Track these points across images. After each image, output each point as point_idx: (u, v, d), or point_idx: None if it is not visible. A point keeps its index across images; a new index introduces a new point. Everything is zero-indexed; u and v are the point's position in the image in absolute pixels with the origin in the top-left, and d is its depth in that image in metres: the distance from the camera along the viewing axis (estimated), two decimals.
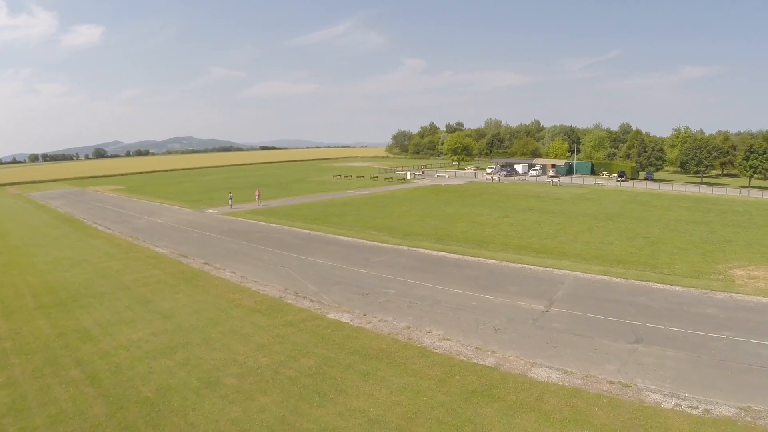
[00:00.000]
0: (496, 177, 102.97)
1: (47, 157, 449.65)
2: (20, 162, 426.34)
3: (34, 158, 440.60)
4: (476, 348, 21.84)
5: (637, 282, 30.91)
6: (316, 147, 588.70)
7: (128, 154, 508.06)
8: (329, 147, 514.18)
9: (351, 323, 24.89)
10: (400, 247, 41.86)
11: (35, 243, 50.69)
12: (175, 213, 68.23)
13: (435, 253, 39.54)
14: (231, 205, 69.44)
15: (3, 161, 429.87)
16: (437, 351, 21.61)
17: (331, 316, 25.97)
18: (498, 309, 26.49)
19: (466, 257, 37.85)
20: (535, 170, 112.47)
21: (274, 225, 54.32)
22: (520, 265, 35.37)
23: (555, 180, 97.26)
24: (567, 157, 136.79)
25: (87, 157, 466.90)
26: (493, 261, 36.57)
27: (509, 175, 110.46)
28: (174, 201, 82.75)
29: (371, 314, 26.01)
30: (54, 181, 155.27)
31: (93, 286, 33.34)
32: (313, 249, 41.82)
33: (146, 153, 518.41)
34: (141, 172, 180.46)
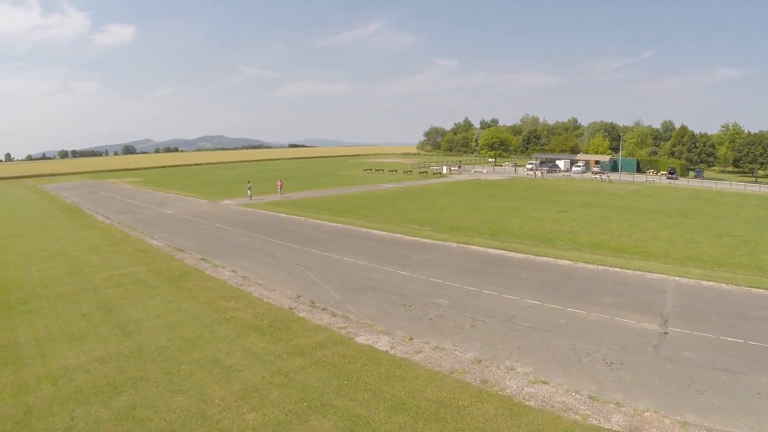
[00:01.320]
0: (538, 172, 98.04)
1: (77, 154, 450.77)
2: (49, 158, 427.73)
3: (63, 155, 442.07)
4: (590, 397, 13.82)
5: (754, 290, 23.53)
6: (347, 146, 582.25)
7: (157, 151, 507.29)
8: (359, 147, 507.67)
9: (391, 352, 16.93)
10: (448, 243, 34.08)
11: (20, 233, 44.46)
12: (188, 204, 61.31)
13: (492, 251, 31.69)
14: (250, 197, 62.42)
15: (33, 157, 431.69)
16: (532, 404, 13.55)
17: (361, 339, 18.05)
18: (597, 330, 18.47)
19: (531, 256, 29.94)
20: (579, 166, 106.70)
21: (295, 217, 46.90)
22: (601, 267, 27.44)
23: (604, 177, 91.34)
24: (608, 154, 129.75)
25: (116, 154, 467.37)
26: (567, 262, 28.65)
27: (551, 171, 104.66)
28: (190, 192, 76.03)
29: (420, 337, 18.11)
30: (74, 174, 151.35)
31: (55, 285, 26.29)
32: (339, 244, 34.28)
33: (175, 150, 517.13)
34: (164, 166, 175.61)
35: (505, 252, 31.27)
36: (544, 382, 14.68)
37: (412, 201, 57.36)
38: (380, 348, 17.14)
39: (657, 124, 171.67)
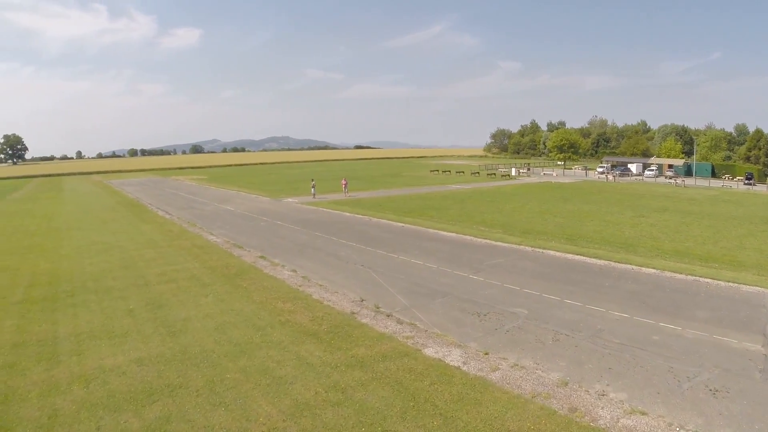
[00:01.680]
0: (610, 176, 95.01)
1: (146, 153, 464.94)
2: (119, 156, 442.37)
3: (133, 153, 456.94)
4: None
5: None
6: (412, 148, 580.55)
7: (224, 151, 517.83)
8: (424, 149, 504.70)
9: (464, 368, 14.83)
10: (522, 247, 31.69)
11: (79, 226, 44.76)
12: (250, 201, 60.79)
13: (570, 256, 29.11)
14: (313, 195, 61.43)
15: (103, 155, 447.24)
16: None
17: (430, 351, 16.01)
18: (695, 349, 15.86)
19: (613, 263, 27.20)
20: (652, 170, 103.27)
21: (359, 216, 45.34)
22: (691, 277, 24.43)
23: (678, 181, 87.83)
24: (681, 158, 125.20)
25: (184, 153, 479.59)
26: (652, 270, 25.80)
27: (624, 175, 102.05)
28: (252, 190, 75.95)
29: (496, 352, 15.96)
30: (140, 171, 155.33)
31: (105, 279, 25.49)
32: (406, 245, 32.35)
33: (242, 150, 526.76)
34: (229, 165, 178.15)
35: (585, 258, 28.66)
36: (643, 413, 12.31)
37: (481, 202, 55.03)
38: (451, 363, 15.08)
39: (730, 128, 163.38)
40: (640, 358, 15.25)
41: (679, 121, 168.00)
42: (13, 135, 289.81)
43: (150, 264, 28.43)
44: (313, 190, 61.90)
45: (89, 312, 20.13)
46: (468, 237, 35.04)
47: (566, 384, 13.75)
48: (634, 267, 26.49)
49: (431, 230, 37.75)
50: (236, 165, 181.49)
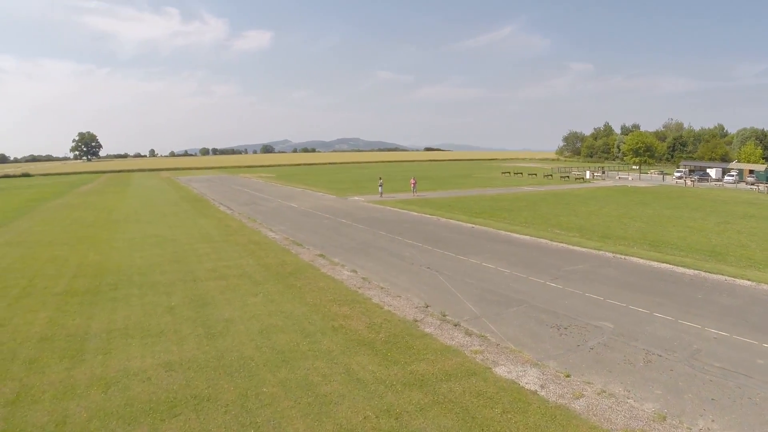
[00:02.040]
0: (689, 181, 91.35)
1: (217, 152, 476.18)
2: (191, 155, 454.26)
3: (204, 152, 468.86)
4: None
5: None
6: (482, 151, 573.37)
7: (295, 151, 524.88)
8: (494, 151, 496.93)
9: (541, 393, 12.45)
10: (602, 252, 28.97)
11: (138, 219, 44.64)
12: (315, 198, 59.64)
13: (655, 264, 26.15)
14: (381, 194, 59.85)
15: (175, 154, 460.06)
16: None
17: (501, 371, 13.71)
18: None
19: (703, 273, 24.13)
20: (731, 176, 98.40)
21: (427, 216, 43.28)
22: None
23: (761, 187, 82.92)
24: (761, 163, 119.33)
25: (255, 153, 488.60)
26: (748, 282, 22.63)
27: (702, 180, 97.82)
28: (319, 188, 75.09)
29: (579, 374, 13.57)
30: (209, 168, 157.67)
31: (153, 273, 24.40)
32: (476, 247, 30.13)
33: (312, 151, 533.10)
34: (298, 164, 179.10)
35: (672, 267, 25.63)
36: None
37: (555, 205, 52.07)
38: (527, 386, 12.74)
39: None
40: (746, 388, 12.61)
41: (758, 125, 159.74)
42: (88, 133, 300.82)
43: (202, 259, 27.23)
44: (380, 188, 60.36)
45: (128, 307, 18.87)
46: (543, 240, 32.54)
47: (664, 418, 11.24)
48: (727, 278, 23.45)
49: (503, 232, 35.35)
50: (305, 164, 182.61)
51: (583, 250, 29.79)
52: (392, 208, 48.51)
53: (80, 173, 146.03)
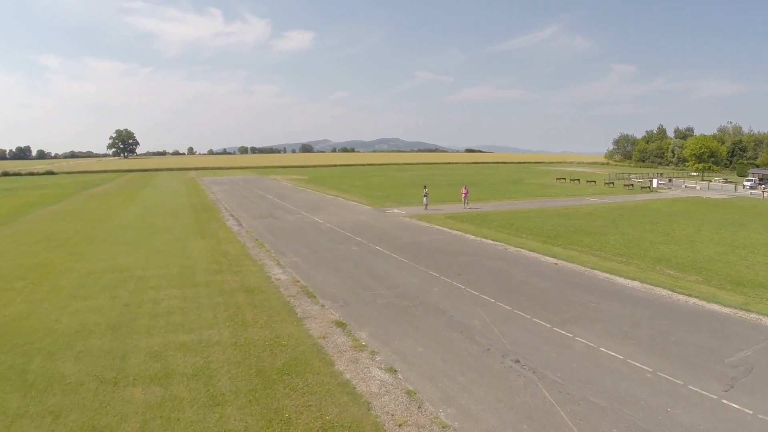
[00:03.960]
0: (766, 192, 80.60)
1: (256, 151, 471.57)
2: (230, 153, 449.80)
3: (243, 151, 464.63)
4: None
5: None
6: (522, 153, 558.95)
7: (334, 151, 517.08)
8: (534, 153, 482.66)
9: None
10: (758, 318, 18.97)
11: (120, 237, 35.50)
12: (346, 210, 49.49)
13: None
14: (426, 205, 49.52)
15: (214, 152, 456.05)
16: None
17: None
18: None
19: None
20: None
21: (489, 241, 32.85)
22: None
23: None
24: None
25: (294, 152, 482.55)
26: None
27: None
28: (353, 195, 64.88)
29: None
30: (242, 168, 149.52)
31: (64, 356, 15.13)
32: (574, 305, 19.93)
33: (352, 151, 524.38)
34: (334, 165, 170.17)
35: None
36: None
37: (640, 224, 41.17)
38: None
39: None
40: None
41: None
42: (125, 130, 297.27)
43: (155, 325, 17.42)
44: (425, 199, 49.89)
45: None
46: (660, 291, 22.32)
47: None
48: None
49: (600, 274, 24.98)
50: (343, 165, 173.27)
51: (727, 311, 19.84)
52: (441, 228, 38.08)
53: (107, 171, 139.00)
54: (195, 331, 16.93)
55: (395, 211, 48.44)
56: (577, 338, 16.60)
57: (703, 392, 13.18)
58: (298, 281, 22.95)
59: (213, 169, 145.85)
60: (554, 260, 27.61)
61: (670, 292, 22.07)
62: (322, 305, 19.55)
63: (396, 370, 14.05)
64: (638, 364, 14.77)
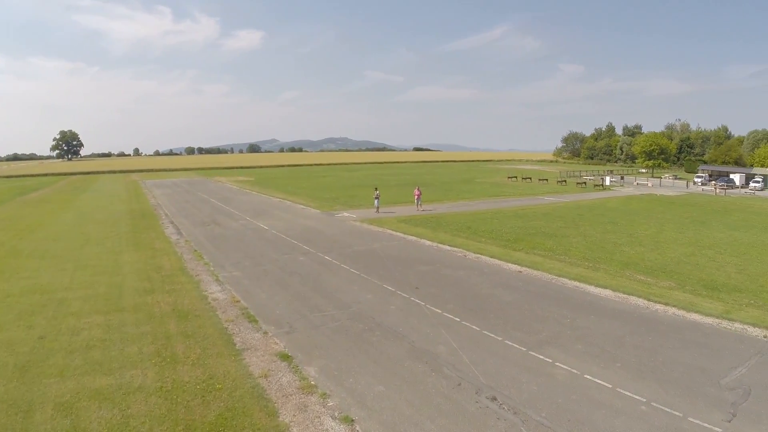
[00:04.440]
0: (718, 189, 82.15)
1: (203, 151, 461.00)
2: (176, 154, 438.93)
3: (190, 151, 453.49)
4: None
5: None
6: (470, 151, 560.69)
7: (282, 151, 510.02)
8: (482, 152, 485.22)
9: None
10: (744, 328, 17.75)
11: (46, 251, 31.85)
12: (293, 215, 46.69)
13: None
14: (377, 208, 47.12)
15: (160, 153, 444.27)
16: None
17: None
18: None
19: None
20: (757, 182, 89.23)
21: (447, 247, 30.71)
22: None
23: None
24: None
25: (241, 152, 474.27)
26: None
27: (728, 187, 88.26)
28: (301, 197, 61.94)
29: None
30: (187, 170, 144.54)
31: None
32: (547, 322, 17.95)
33: (299, 150, 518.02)
34: (281, 166, 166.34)
35: None
36: None
37: (600, 224, 39.85)
38: None
39: None
40: None
41: (752, 126, 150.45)
42: (70, 131, 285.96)
43: (69, 365, 14.59)
44: (376, 201, 47.48)
45: None
46: (637, 301, 20.75)
47: None
48: None
49: (568, 281, 23.32)
50: (290, 165, 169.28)
51: (709, 321, 18.44)
52: (395, 233, 35.72)
53: (48, 175, 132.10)
54: (115, 371, 14.14)
55: (345, 214, 45.89)
56: (557, 364, 14.48)
57: (706, 425, 11.44)
58: (237, 301, 20.25)
59: (157, 171, 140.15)
60: (518, 267, 25.59)
61: (646, 302, 20.34)
62: (265, 332, 16.92)
63: (353, 419, 11.60)
64: (630, 394, 12.80)
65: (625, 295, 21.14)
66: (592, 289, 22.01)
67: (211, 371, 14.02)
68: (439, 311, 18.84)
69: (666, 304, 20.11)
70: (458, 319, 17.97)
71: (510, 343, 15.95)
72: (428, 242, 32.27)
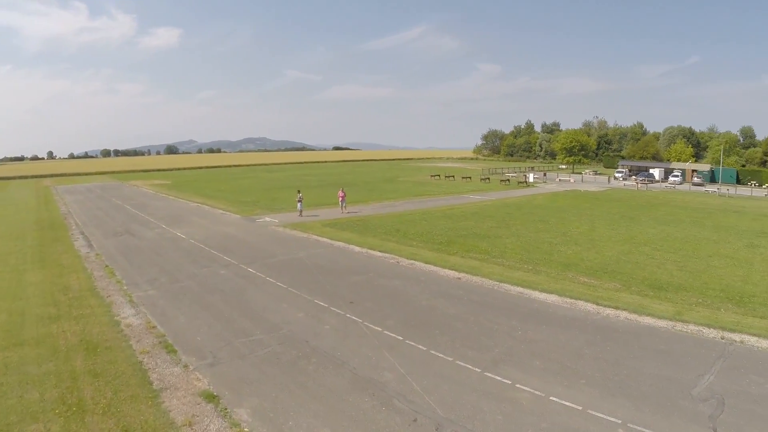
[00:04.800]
0: (641, 184, 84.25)
1: (119, 153, 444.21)
2: (92, 157, 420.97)
3: (106, 154, 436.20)
4: None
5: None
6: (389, 150, 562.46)
7: (200, 152, 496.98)
8: (401, 150, 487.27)
9: None
10: (697, 329, 17.31)
11: None
12: (212, 221, 43.73)
13: None
14: (300, 212, 44.78)
15: (75, 156, 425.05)
16: None
17: None
18: None
19: None
20: (676, 176, 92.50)
21: (377, 254, 28.94)
22: None
23: (723, 190, 77.64)
24: (692, 161, 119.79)
25: (158, 154, 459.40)
26: None
27: (649, 182, 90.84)
28: (220, 201, 58.72)
29: None
30: (100, 174, 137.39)
31: None
32: (496, 336, 16.54)
33: (218, 151, 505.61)
34: (200, 167, 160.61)
35: None
36: None
37: (531, 223, 39.42)
38: None
39: (707, 130, 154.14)
40: None
41: (666, 124, 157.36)
42: None
43: None
44: (299, 204, 45.07)
45: None
46: (586, 306, 19.75)
47: None
48: None
49: (511, 287, 22.13)
50: (209, 167, 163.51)
51: (663, 324, 17.73)
52: (321, 238, 33.68)
53: None
54: (13, 428, 11.61)
55: (267, 219, 43.40)
56: (518, 386, 13.04)
57: None
58: (153, 327, 17.80)
59: (71, 175, 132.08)
60: (456, 274, 24.14)
61: (595, 306, 19.37)
62: (185, 365, 14.65)
63: None
64: (603, 416, 11.69)
65: (572, 300, 20.02)
66: (537, 294, 20.79)
67: (126, 422, 11.71)
68: (379, 329, 17.09)
69: (616, 307, 19.16)
70: (401, 338, 16.26)
71: (462, 363, 14.35)
72: (357, 248, 30.47)
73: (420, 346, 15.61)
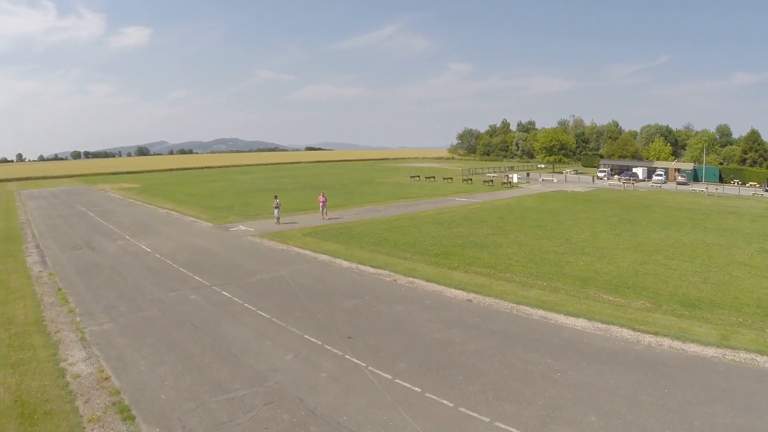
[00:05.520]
0: (628, 184, 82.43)
1: (89, 155, 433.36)
2: (61, 159, 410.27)
3: (76, 155, 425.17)
4: None
5: None
6: (362, 149, 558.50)
7: (171, 153, 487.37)
8: (374, 150, 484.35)
9: None
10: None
11: None
12: (181, 230, 39.59)
13: None
14: (278, 219, 40.97)
15: (45, 158, 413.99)
16: None
17: None
18: None
19: None
20: (659, 175, 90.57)
21: (369, 270, 25.39)
22: None
23: (712, 189, 76.00)
24: (671, 160, 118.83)
25: (129, 155, 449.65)
26: None
27: (633, 181, 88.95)
28: (190, 207, 54.26)
29: None
30: (68, 177, 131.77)
31: None
32: (536, 383, 13.01)
33: (190, 152, 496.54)
34: (171, 170, 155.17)
35: None
36: None
37: (529, 228, 36.43)
38: None
39: (683, 129, 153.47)
40: None
41: (640, 123, 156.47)
42: None
43: None
44: (276, 211, 41.23)
45: None
46: (622, 332, 16.67)
47: None
48: None
49: (531, 310, 18.93)
50: (180, 169, 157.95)
51: (712, 353, 14.92)
52: (303, 251, 29.99)
53: None
54: None
55: (242, 227, 39.47)
56: None
57: None
58: (107, 379, 13.99)
59: (38, 178, 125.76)
60: (465, 294, 20.74)
61: (632, 333, 16.31)
62: None
63: None
64: None
65: (605, 326, 16.83)
66: (563, 319, 17.54)
67: None
68: (389, 377, 13.56)
69: (655, 333, 16.10)
70: (419, 390, 12.77)
71: (503, 426, 11.01)
72: (346, 263, 26.88)
73: (445, 402, 12.15)
